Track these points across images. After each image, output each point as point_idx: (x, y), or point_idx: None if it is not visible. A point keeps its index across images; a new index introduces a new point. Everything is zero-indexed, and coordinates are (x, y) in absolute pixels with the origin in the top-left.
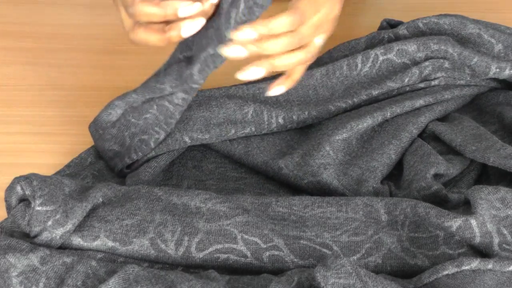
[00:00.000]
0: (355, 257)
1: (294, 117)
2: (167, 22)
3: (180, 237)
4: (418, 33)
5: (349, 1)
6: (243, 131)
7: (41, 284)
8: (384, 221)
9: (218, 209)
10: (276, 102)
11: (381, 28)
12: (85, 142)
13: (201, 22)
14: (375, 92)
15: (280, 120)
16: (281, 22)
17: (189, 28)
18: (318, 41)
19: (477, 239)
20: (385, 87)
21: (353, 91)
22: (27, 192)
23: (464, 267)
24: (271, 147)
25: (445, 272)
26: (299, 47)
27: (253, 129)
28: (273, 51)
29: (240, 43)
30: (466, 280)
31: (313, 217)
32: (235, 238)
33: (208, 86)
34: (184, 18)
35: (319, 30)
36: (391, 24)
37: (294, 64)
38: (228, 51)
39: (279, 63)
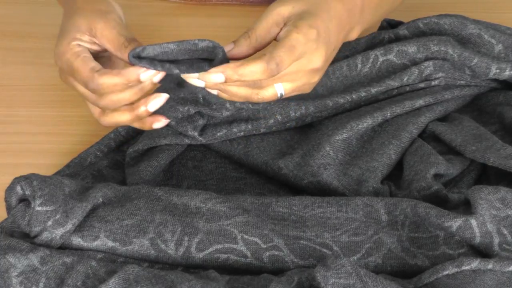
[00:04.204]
0: (355, 257)
1: (291, 112)
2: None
3: (180, 237)
4: (419, 33)
5: None
6: (239, 128)
7: (41, 284)
8: (384, 221)
9: (218, 209)
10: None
11: (381, 28)
12: (85, 142)
13: (165, 96)
14: (373, 90)
15: (278, 117)
16: (253, 70)
17: (155, 103)
18: (279, 90)
19: (477, 239)
20: (383, 85)
21: (352, 89)
22: (27, 192)
23: (464, 267)
24: (271, 147)
25: (445, 272)
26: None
27: (250, 126)
28: (232, 96)
29: (209, 84)
30: (466, 280)
31: (313, 217)
32: (235, 238)
33: None
34: (149, 90)
35: (285, 78)
36: (392, 24)
37: (238, 97)
38: (191, 80)
39: (225, 92)
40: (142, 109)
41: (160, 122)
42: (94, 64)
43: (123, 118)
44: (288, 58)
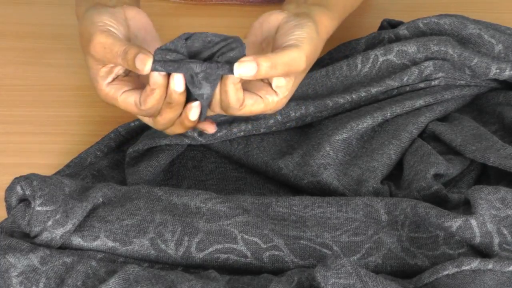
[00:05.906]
0: (355, 257)
1: (291, 112)
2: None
3: (180, 237)
4: (419, 33)
5: None
6: (239, 128)
7: (41, 284)
8: (384, 221)
9: (218, 209)
10: None
11: (382, 28)
12: (85, 142)
13: (198, 103)
14: (373, 90)
15: (278, 117)
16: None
17: (194, 112)
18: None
19: (477, 239)
20: (383, 85)
21: (352, 89)
22: (27, 192)
23: (464, 267)
24: (271, 147)
25: (445, 272)
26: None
27: (250, 126)
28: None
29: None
30: (466, 280)
31: (313, 217)
32: (235, 238)
33: None
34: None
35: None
36: (392, 24)
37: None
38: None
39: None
40: (188, 122)
41: (210, 128)
42: (136, 97)
43: (178, 130)
44: (282, 71)
